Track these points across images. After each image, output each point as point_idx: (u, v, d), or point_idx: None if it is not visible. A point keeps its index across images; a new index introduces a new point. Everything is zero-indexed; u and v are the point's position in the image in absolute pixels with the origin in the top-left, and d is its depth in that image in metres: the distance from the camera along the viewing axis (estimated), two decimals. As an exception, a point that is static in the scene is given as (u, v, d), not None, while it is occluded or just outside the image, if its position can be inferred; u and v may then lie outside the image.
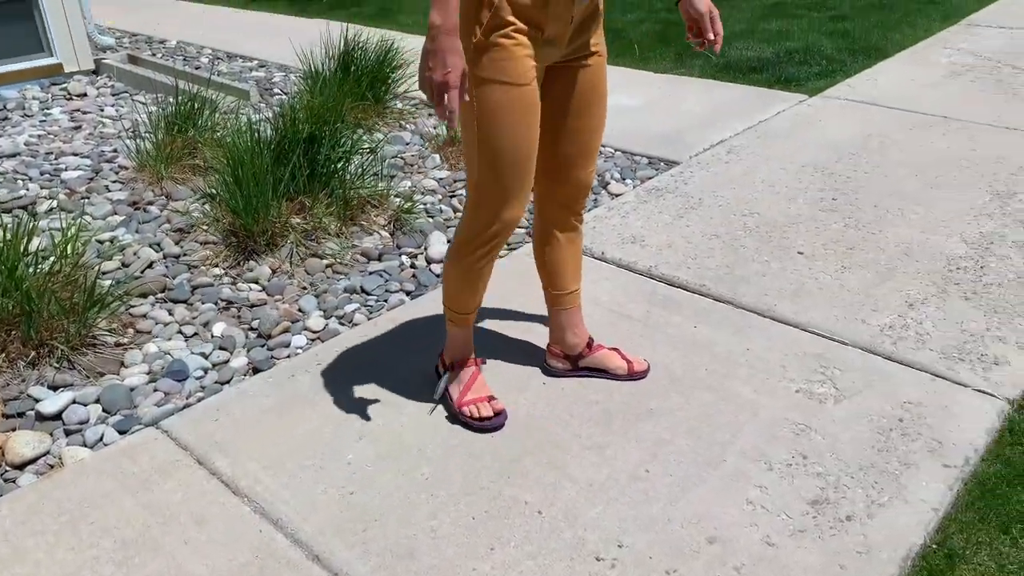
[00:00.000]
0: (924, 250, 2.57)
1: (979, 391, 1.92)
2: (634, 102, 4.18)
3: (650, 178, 3.26)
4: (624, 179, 3.27)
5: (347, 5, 7.02)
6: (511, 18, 1.51)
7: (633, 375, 2.00)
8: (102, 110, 4.27)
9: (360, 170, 2.90)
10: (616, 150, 3.57)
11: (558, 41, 1.60)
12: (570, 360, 2.02)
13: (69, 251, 2.24)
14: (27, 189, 3.21)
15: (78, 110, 4.26)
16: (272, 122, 3.44)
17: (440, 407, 1.92)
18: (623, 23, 5.85)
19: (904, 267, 2.48)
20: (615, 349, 2.03)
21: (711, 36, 1.68)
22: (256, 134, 2.79)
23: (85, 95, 4.55)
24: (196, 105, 3.41)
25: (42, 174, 3.38)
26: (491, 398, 1.88)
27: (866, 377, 1.98)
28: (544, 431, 1.83)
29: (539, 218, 1.90)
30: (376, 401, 1.95)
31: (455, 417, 1.88)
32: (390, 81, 3.90)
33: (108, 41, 5.08)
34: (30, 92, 4.57)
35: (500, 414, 1.85)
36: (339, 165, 2.80)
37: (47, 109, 4.30)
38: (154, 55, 5.48)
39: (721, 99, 4.14)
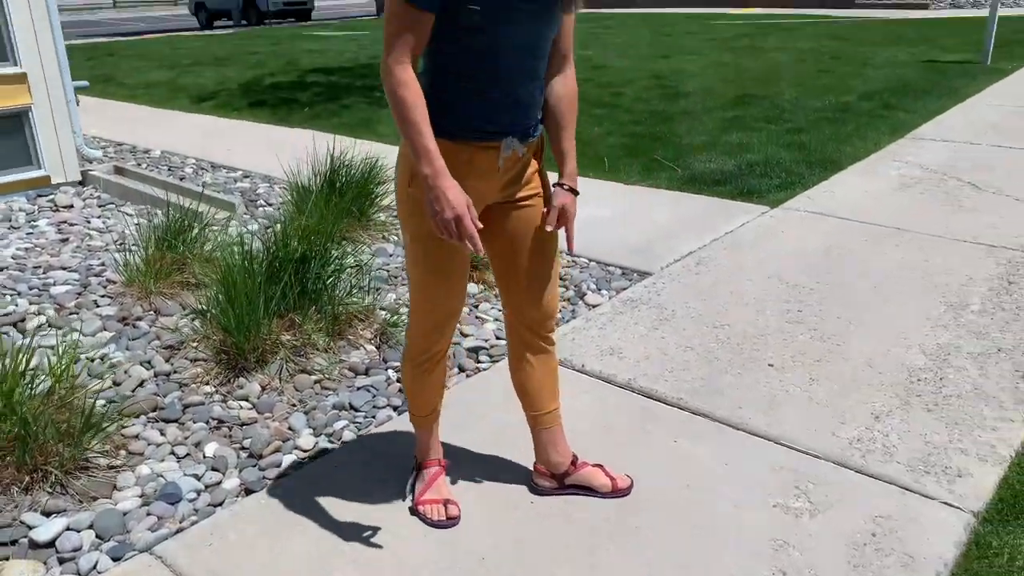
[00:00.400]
0: (886, 362, 2.72)
1: (945, 503, 2.02)
2: (605, 213, 4.38)
3: (624, 289, 3.41)
4: (600, 290, 3.42)
5: (328, 115, 7.30)
6: (448, 167, 1.64)
7: (617, 492, 2.07)
8: (89, 222, 4.36)
9: (348, 286, 3.01)
10: (591, 260, 3.73)
11: (488, 189, 1.75)
12: (556, 478, 2.09)
13: (64, 374, 2.29)
14: (16, 304, 3.26)
15: (65, 222, 4.36)
16: (262, 239, 3.56)
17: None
18: (591, 136, 6.15)
19: (868, 379, 2.61)
20: (599, 466, 2.11)
21: (548, 228, 1.80)
22: (248, 252, 2.89)
23: (72, 207, 4.66)
24: (186, 221, 3.52)
25: (31, 288, 3.44)
26: (448, 501, 2.00)
27: (839, 490, 2.07)
28: (535, 553, 1.89)
29: (510, 342, 2.00)
30: (366, 521, 1.99)
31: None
32: (374, 196, 4.06)
33: (95, 153, 5.22)
34: (16, 204, 4.67)
35: (453, 519, 1.97)
36: (328, 283, 2.91)
37: (34, 221, 4.38)
38: (139, 165, 5.63)
39: (688, 211, 4.36)
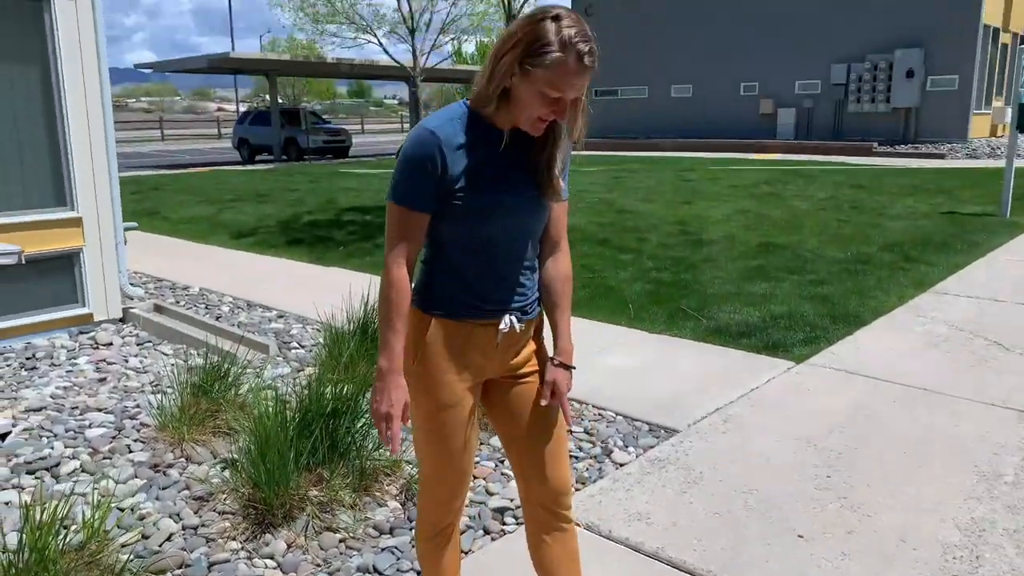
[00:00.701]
0: (919, 537, 2.66)
1: None
2: (631, 362, 4.43)
3: (652, 447, 3.41)
4: (627, 447, 3.42)
5: (362, 255, 7.56)
6: (439, 347, 1.77)
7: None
8: (127, 361, 4.49)
9: (376, 441, 3.05)
10: (617, 414, 3.75)
11: (488, 364, 1.84)
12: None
13: (97, 530, 2.32)
14: (51, 447, 3.33)
15: (104, 360, 4.48)
16: (294, 387, 3.63)
17: None
18: (616, 281, 6.30)
19: (902, 555, 2.56)
20: None
21: (543, 403, 1.88)
22: (280, 403, 2.95)
23: (111, 344, 4.80)
24: (221, 367, 3.62)
25: (67, 431, 3.51)
26: None
27: None
28: None
29: (525, 517, 2.00)
30: None
31: None
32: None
33: (138, 292, 5.43)
34: (58, 341, 4.83)
35: None
36: (358, 437, 2.95)
37: (74, 359, 4.52)
38: (178, 302, 5.83)
39: (714, 363, 4.40)
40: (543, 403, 1.89)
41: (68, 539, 2.28)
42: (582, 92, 1.68)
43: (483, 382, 1.89)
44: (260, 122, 25.11)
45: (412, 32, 21.94)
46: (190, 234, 9.11)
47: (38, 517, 2.19)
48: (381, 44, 22.43)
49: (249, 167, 20.89)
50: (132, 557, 2.48)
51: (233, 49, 37.16)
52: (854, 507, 2.86)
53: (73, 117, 4.78)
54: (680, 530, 2.73)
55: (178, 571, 2.48)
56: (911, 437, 3.43)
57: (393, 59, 22.67)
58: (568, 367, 1.91)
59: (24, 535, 2.16)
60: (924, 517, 2.78)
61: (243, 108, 50.51)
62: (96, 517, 2.37)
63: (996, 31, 19.82)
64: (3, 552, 2.14)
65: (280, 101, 28.72)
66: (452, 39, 22.91)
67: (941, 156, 17.68)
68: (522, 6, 8.87)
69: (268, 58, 23.81)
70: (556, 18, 1.62)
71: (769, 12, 21.52)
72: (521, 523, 2.79)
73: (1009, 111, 9.35)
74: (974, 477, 3.07)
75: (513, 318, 1.82)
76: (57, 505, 2.29)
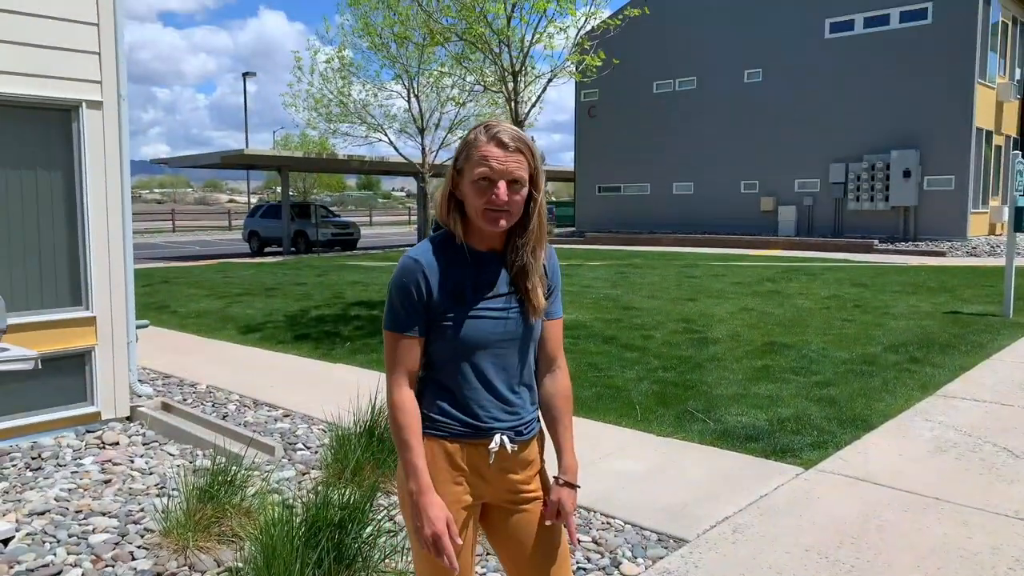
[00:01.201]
0: (938, 659, 2.60)
1: None
2: (638, 467, 4.40)
3: (661, 557, 3.36)
4: (636, 557, 3.37)
5: (368, 351, 7.60)
6: (434, 468, 1.80)
7: None
8: (132, 461, 4.48)
9: (385, 549, 3.02)
10: (625, 523, 3.71)
11: (485, 486, 1.87)
12: None
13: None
14: (54, 554, 3.30)
15: (109, 461, 4.47)
16: (302, 492, 3.62)
17: None
18: (623, 380, 6.31)
19: None
20: None
21: (547, 523, 1.91)
22: (287, 514, 2.94)
23: (117, 444, 4.80)
24: (228, 472, 3.61)
25: (70, 536, 3.48)
26: None
27: None
28: None
29: None
30: None
31: None
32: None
33: (147, 390, 5.46)
34: (64, 440, 4.83)
35: None
36: (365, 548, 2.92)
37: (79, 459, 4.51)
38: (185, 400, 5.84)
39: (722, 468, 4.37)
40: (547, 523, 1.90)
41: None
42: (514, 173, 1.76)
43: (482, 504, 1.92)
44: (271, 215, 25.65)
45: (422, 131, 22.68)
46: (198, 329, 9.19)
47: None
48: (391, 142, 23.16)
49: (258, 259, 21.20)
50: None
51: (247, 145, 38.31)
52: (869, 626, 2.80)
53: (93, 220, 4.93)
54: (691, 649, 2.67)
55: None
56: (923, 548, 3.38)
57: (403, 156, 23.33)
58: (573, 486, 1.92)
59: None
60: (941, 637, 2.72)
61: (255, 199, 51.60)
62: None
63: (989, 133, 20.40)
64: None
65: (291, 194, 29.42)
66: (460, 138, 23.59)
67: (942, 254, 17.89)
68: (529, 111, 9.21)
69: (280, 155, 24.52)
70: (486, 127, 1.79)
71: (768, 112, 22.22)
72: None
73: (1006, 211, 9.53)
74: (990, 594, 3.01)
75: (505, 438, 1.85)
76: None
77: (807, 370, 6.61)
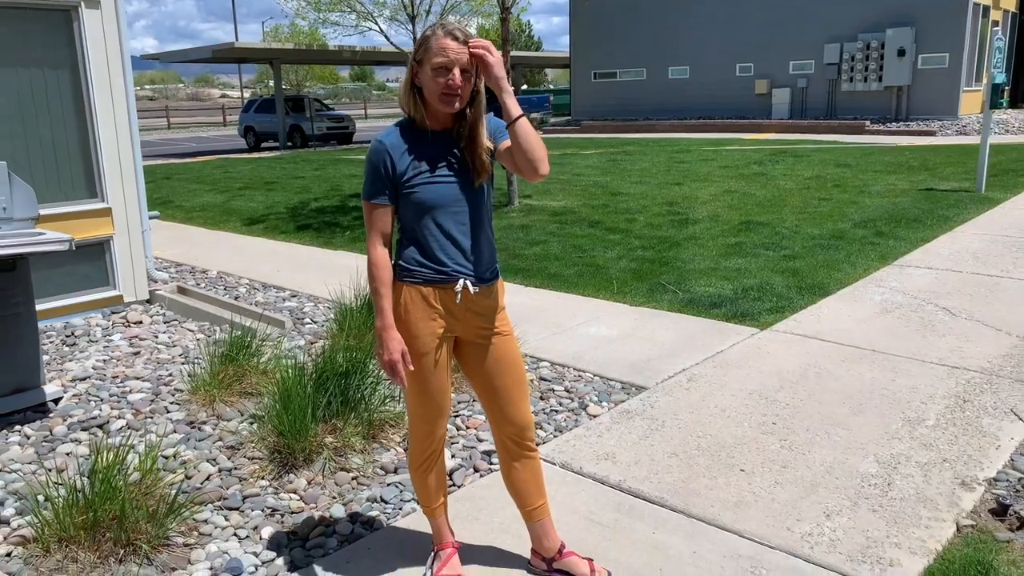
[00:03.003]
0: (843, 468, 3.14)
1: (875, 587, 2.42)
2: (611, 332, 4.90)
3: (622, 401, 3.89)
4: (601, 402, 3.90)
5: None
6: (411, 308, 2.26)
7: (595, 582, 2.49)
8: (157, 337, 4.98)
9: (382, 396, 3.53)
10: (595, 375, 4.23)
11: (456, 323, 2.30)
12: (546, 562, 2.53)
13: (150, 467, 2.81)
14: (100, 410, 3.83)
15: (136, 337, 4.98)
16: (308, 354, 4.11)
17: (446, 598, 2.41)
18: (604, 260, 6.76)
19: (825, 483, 3.03)
20: (588, 559, 2.53)
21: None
22: (299, 368, 3.44)
23: (141, 322, 5.30)
24: (244, 341, 4.10)
25: (111, 396, 4.01)
26: None
27: (787, 575, 2.48)
28: (528, 618, 2.32)
29: (498, 451, 2.49)
30: (395, 593, 2.44)
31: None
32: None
33: (163, 276, 5.92)
34: (93, 320, 5.32)
35: None
36: (367, 393, 3.44)
37: (109, 336, 5.01)
38: (198, 285, 6.31)
39: (686, 331, 4.87)
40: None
41: (128, 476, 2.77)
42: (465, 63, 2.12)
43: (455, 339, 2.37)
44: (266, 110, 25.53)
45: (413, 19, 22.30)
46: (203, 222, 9.59)
47: (104, 459, 2.69)
48: (382, 31, 22.80)
49: (255, 155, 21.34)
50: (179, 493, 2.98)
51: (237, 38, 37.42)
52: (791, 447, 3.34)
53: (101, 116, 5.25)
54: (640, 466, 3.22)
55: (217, 502, 2.97)
56: (852, 390, 3.90)
57: (394, 45, 22.99)
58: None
59: (95, 471, 2.65)
60: (850, 454, 3.26)
61: (247, 95, 50.72)
62: (148, 458, 2.86)
63: (986, 8, 20.06)
64: (75, 487, 2.63)
65: (284, 87, 29.09)
66: (453, 25, 23.15)
67: (932, 133, 18.01)
68: (515, -2, 9.23)
69: (272, 47, 24.18)
70: (441, 26, 2.18)
71: (764, -7, 21.78)
72: (505, 463, 3.28)
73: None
74: (900, 421, 3.54)
75: (468, 282, 2.27)
76: (118, 450, 2.79)
77: (777, 246, 7.04)
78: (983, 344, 4.47)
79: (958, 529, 2.73)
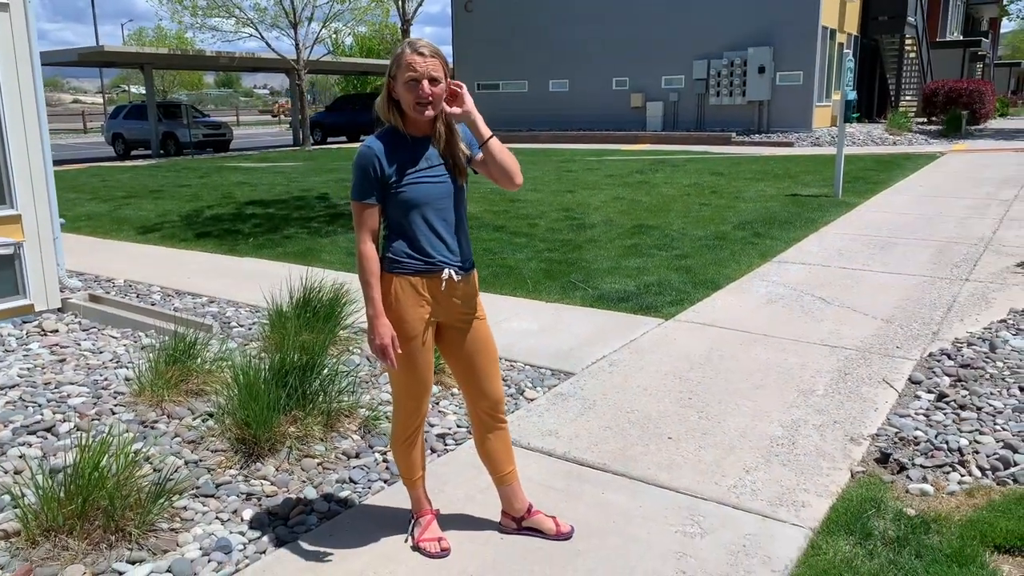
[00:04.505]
0: (754, 433, 3.62)
1: (793, 524, 2.87)
2: (533, 326, 5.27)
3: (555, 386, 4.25)
4: (535, 387, 4.24)
5: (272, 246, 8.05)
6: (400, 297, 2.52)
7: (560, 535, 2.82)
8: (79, 344, 4.92)
9: (337, 388, 3.73)
10: (526, 364, 4.57)
11: (440, 309, 2.57)
12: (516, 521, 2.84)
13: (127, 459, 2.91)
14: (41, 415, 3.81)
15: (56, 345, 4.90)
16: (248, 354, 4.24)
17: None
18: (515, 261, 7.14)
19: (741, 445, 3.50)
20: (552, 517, 2.86)
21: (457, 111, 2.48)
22: (253, 363, 3.59)
23: (57, 331, 5.20)
24: (179, 345, 4.17)
25: (48, 401, 3.98)
26: (441, 539, 2.74)
27: (721, 520, 2.90)
28: (507, 569, 2.62)
29: (473, 424, 2.77)
30: (381, 557, 2.68)
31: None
32: (341, 315, 4.82)
33: (76, 283, 5.79)
34: (4, 330, 5.17)
35: (446, 550, 2.71)
36: (324, 385, 3.63)
37: (26, 345, 4.90)
38: (108, 293, 6.20)
39: (599, 323, 5.30)
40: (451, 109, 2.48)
41: (107, 468, 2.86)
42: (432, 73, 2.39)
43: (437, 324, 2.64)
44: (135, 116, 24.45)
45: (294, 25, 22.05)
46: (93, 231, 9.26)
47: (87, 452, 2.78)
48: (263, 38, 22.40)
49: (129, 163, 20.43)
50: (164, 480, 3.08)
51: (97, 40, 35.51)
52: (708, 417, 3.80)
53: (10, 119, 5.13)
54: (581, 439, 3.58)
55: (193, 490, 3.10)
56: (752, 368, 4.43)
57: (277, 53, 22.63)
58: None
59: (80, 462, 2.74)
60: (758, 420, 3.75)
61: (107, 100, 48.00)
62: (120, 453, 2.95)
63: (833, 32, 22.03)
64: (57, 481, 2.71)
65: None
66: (333, 34, 23.14)
67: (790, 144, 19.58)
68: (416, 8, 9.51)
69: (145, 51, 23.20)
70: (409, 43, 2.49)
71: (637, 10, 22.96)
72: (459, 443, 3.57)
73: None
74: (795, 392, 4.09)
75: (452, 271, 2.56)
76: (102, 440, 2.88)
77: (669, 246, 7.65)
78: (854, 327, 5.13)
79: (852, 475, 3.25)
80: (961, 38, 36.12)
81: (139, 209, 10.81)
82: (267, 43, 20.65)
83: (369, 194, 2.48)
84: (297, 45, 21.42)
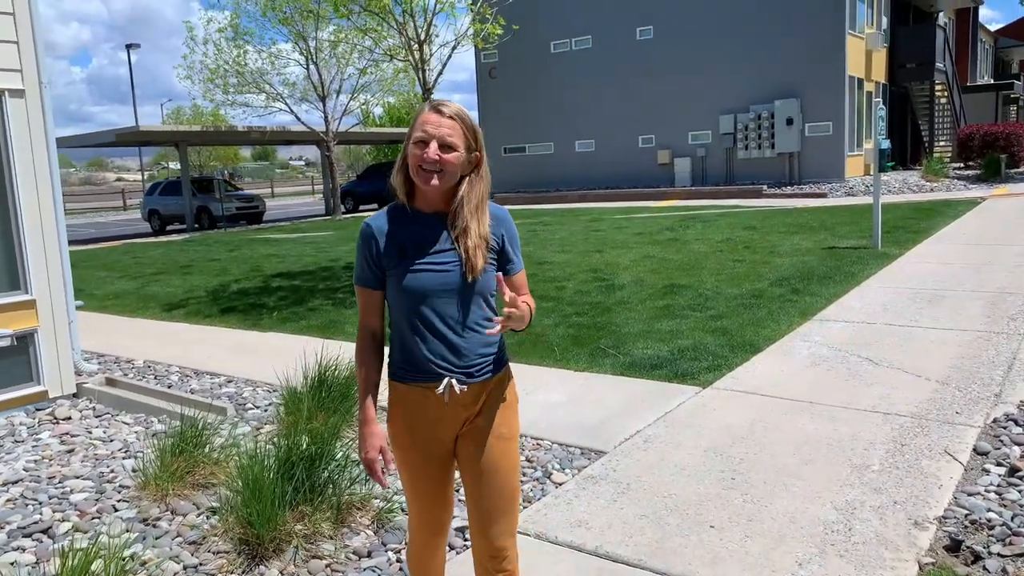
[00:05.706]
0: (805, 517, 3.27)
1: (857, 630, 2.52)
2: (561, 398, 4.98)
3: (585, 467, 3.94)
4: (563, 468, 3.94)
5: (296, 319, 7.91)
6: (401, 411, 2.14)
7: None
8: (90, 432, 4.75)
9: (349, 478, 3.48)
10: (553, 443, 4.28)
11: (444, 423, 2.13)
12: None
13: (115, 568, 2.67)
14: (40, 514, 3.60)
15: (67, 434, 4.73)
16: (264, 441, 4.02)
17: None
18: (541, 327, 6.88)
19: (792, 533, 3.16)
20: None
21: (506, 297, 2.01)
22: (260, 453, 3.36)
23: (70, 418, 5.04)
24: (195, 427, 3.97)
25: (50, 498, 3.78)
26: None
27: (773, 626, 2.56)
28: None
29: (474, 561, 2.24)
30: None
31: None
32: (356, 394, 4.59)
33: (91, 367, 5.66)
34: (16, 419, 5.03)
35: None
36: (333, 476, 3.38)
37: (37, 435, 4.74)
38: (126, 375, 6.06)
39: (631, 393, 4.99)
40: (507, 298, 2.01)
41: (93, 579, 2.63)
42: (447, 137, 2.01)
43: (456, 437, 2.17)
44: (171, 192, 25.00)
45: (323, 98, 22.52)
46: (120, 310, 9.24)
47: (71, 561, 2.55)
48: (291, 110, 22.90)
49: (163, 239, 20.76)
50: (145, 594, 2.83)
51: (137, 121, 36.77)
52: (754, 500, 3.46)
53: (25, 205, 5.08)
54: (614, 530, 3.26)
55: (189, 601, 2.84)
56: (799, 441, 4.08)
57: (305, 124, 23.09)
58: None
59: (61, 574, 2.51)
60: (809, 503, 3.40)
61: (147, 177, 49.47)
62: (113, 555, 2.72)
63: (860, 81, 21.85)
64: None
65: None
66: (362, 105, 23.58)
67: (823, 195, 19.24)
68: (437, 78, 9.54)
69: (178, 129, 23.84)
70: (430, 102, 2.12)
71: (661, 69, 23.07)
72: (481, 537, 3.26)
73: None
74: (848, 468, 3.73)
75: (453, 380, 2.07)
76: (87, 551, 2.64)
77: (703, 306, 7.34)
78: (907, 390, 4.76)
79: (920, 568, 2.89)
80: (992, 81, 35.74)
81: (167, 286, 10.81)
82: (296, 116, 21.06)
83: (367, 277, 2.15)
84: (326, 117, 21.83)
